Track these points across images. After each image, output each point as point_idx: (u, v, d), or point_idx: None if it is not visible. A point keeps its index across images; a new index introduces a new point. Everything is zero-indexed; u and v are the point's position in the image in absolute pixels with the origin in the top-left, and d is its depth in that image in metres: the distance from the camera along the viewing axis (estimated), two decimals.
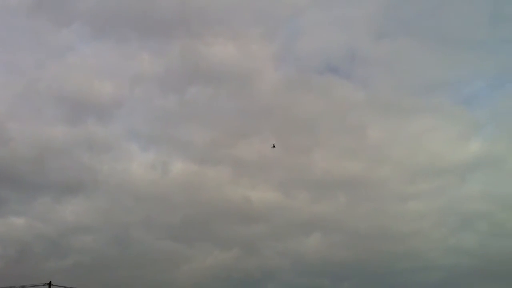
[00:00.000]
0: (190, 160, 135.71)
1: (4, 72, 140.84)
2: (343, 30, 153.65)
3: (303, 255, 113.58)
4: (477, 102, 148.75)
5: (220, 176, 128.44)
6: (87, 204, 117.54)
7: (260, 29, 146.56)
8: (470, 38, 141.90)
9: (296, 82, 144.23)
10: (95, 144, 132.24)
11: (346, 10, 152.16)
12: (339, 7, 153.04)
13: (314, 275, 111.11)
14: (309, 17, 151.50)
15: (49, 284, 69.14)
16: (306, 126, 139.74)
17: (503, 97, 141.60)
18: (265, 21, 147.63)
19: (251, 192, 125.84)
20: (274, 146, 63.03)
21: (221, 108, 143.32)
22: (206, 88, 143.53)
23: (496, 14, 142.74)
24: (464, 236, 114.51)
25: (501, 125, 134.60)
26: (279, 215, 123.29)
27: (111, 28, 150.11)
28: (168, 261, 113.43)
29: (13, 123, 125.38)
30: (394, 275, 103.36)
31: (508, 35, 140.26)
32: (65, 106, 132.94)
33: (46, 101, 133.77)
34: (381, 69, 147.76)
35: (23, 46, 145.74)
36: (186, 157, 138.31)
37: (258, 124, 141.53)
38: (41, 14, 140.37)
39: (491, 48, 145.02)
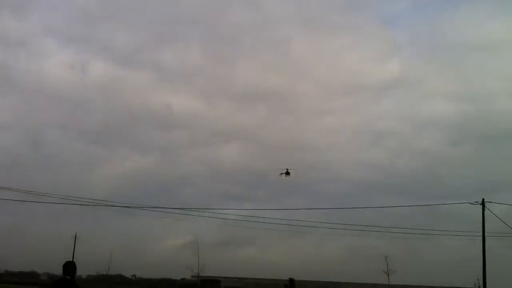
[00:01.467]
0: (111, 63, 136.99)
1: None
2: None
3: (221, 164, 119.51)
4: (399, 24, 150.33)
5: (141, 81, 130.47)
6: None
7: None
8: None
9: None
10: (8, 39, 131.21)
11: None
12: None
13: (230, 182, 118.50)
14: None
15: None
16: (231, 36, 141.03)
17: (424, 20, 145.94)
18: None
19: (173, 99, 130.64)
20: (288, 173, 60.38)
21: (147, 11, 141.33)
22: None
23: None
24: (375, 151, 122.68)
25: (420, 48, 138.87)
26: (199, 123, 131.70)
27: None
28: (85, 164, 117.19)
29: None
30: (307, 184, 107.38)
31: None
32: None
33: None
34: None
35: None
36: (107, 59, 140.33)
37: (184, 31, 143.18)
38: None
39: None
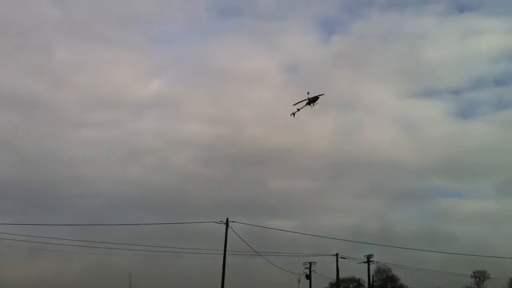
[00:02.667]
0: None
1: None
2: None
3: None
4: (168, 45, 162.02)
5: None
6: None
7: None
8: None
9: None
10: None
11: None
12: None
13: None
14: None
15: None
16: None
17: (191, 45, 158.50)
18: None
19: None
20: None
21: None
22: None
23: None
24: (132, 168, 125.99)
25: (183, 71, 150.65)
26: None
27: None
28: None
29: None
30: (60, 199, 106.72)
31: None
32: None
33: None
34: None
35: None
36: None
37: None
38: None
39: None
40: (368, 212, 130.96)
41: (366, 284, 79.59)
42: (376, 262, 75.34)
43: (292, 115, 41.74)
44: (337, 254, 67.88)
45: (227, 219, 50.22)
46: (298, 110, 41.58)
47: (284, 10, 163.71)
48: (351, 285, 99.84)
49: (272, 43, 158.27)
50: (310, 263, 71.53)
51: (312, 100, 42.82)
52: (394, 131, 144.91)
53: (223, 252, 49.87)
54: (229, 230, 50.01)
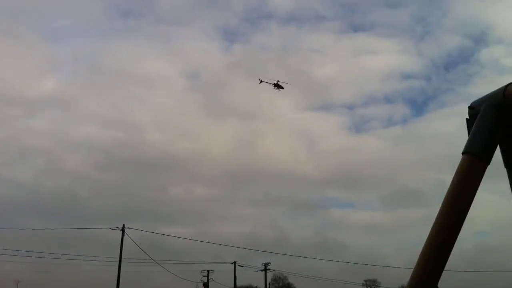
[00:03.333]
0: None
1: None
2: None
3: None
4: (63, 41, 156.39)
5: None
6: None
7: None
8: None
9: None
10: None
11: None
12: None
13: None
14: None
15: None
16: None
17: (89, 42, 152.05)
18: None
19: None
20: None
21: None
22: None
23: None
24: (20, 168, 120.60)
25: (80, 70, 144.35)
26: None
27: None
28: None
29: None
30: None
31: None
32: None
33: None
34: None
35: None
36: None
37: None
38: None
39: None
40: (264, 221, 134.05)
41: None
42: (273, 270, 76.84)
43: (259, 81, 51.93)
44: (235, 262, 68.36)
45: (123, 225, 48.99)
46: (260, 82, 51.30)
47: (187, 16, 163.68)
48: None
49: (174, 48, 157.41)
50: (208, 271, 71.37)
51: (278, 86, 52.78)
52: (292, 142, 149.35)
53: (118, 260, 48.49)
54: (125, 237, 48.75)
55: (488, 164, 3.20)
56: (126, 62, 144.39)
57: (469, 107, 3.44)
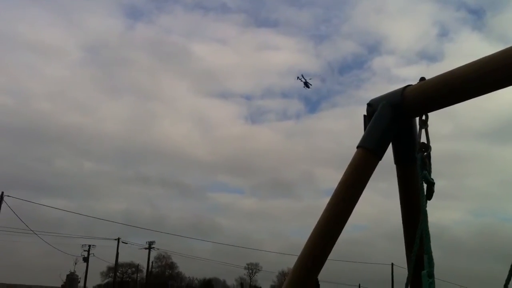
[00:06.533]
0: None
1: None
2: None
3: None
4: None
5: None
6: None
7: None
8: None
9: None
10: None
11: None
12: None
13: None
14: None
15: None
16: None
17: None
18: None
19: None
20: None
21: None
22: None
23: None
24: None
25: None
26: None
27: None
28: None
29: None
30: None
31: None
32: None
33: None
34: None
35: None
36: None
37: None
38: None
39: None
40: (149, 200, 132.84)
41: (145, 270, 79.86)
42: (157, 249, 76.31)
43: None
44: (118, 238, 67.04)
45: (2, 192, 46.16)
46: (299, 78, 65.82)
47: None
48: (129, 270, 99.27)
49: (74, 20, 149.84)
50: (89, 246, 69.44)
51: (307, 85, 67.85)
52: (188, 126, 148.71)
53: None
54: (3, 204, 45.94)
55: (380, 159, 3.35)
56: (21, 29, 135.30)
57: (368, 104, 3.57)
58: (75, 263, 69.03)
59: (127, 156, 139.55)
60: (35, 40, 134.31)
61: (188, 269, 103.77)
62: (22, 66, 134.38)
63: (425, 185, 3.25)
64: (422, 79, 3.33)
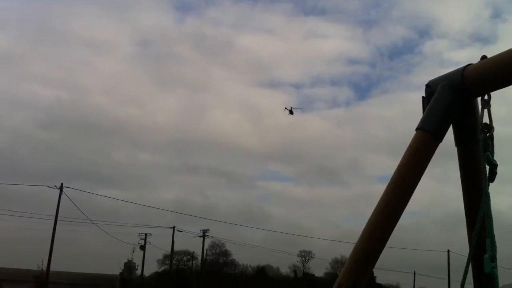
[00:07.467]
0: None
1: None
2: None
3: None
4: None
5: None
6: None
7: None
8: None
9: None
10: None
11: None
12: None
13: None
14: None
15: None
16: None
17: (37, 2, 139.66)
18: None
19: None
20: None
21: None
22: None
23: None
24: None
25: (28, 28, 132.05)
26: None
27: None
28: None
29: None
30: None
31: None
32: None
33: None
34: None
35: None
36: None
37: None
38: None
39: None
40: (203, 189, 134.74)
41: (199, 258, 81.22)
42: (211, 237, 77.42)
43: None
44: (174, 227, 68.41)
45: (62, 184, 47.86)
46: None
47: None
48: (184, 258, 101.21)
49: (126, 16, 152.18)
50: (146, 234, 71.09)
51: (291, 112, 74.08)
52: (238, 116, 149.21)
53: (54, 218, 47.46)
54: (63, 196, 47.67)
55: (440, 141, 3.27)
56: (76, 26, 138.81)
57: (427, 85, 3.49)
58: (133, 251, 71.05)
59: (179, 147, 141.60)
60: (89, 36, 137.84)
61: (242, 257, 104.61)
62: (78, 62, 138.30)
63: (487, 167, 3.16)
64: (484, 57, 3.22)
